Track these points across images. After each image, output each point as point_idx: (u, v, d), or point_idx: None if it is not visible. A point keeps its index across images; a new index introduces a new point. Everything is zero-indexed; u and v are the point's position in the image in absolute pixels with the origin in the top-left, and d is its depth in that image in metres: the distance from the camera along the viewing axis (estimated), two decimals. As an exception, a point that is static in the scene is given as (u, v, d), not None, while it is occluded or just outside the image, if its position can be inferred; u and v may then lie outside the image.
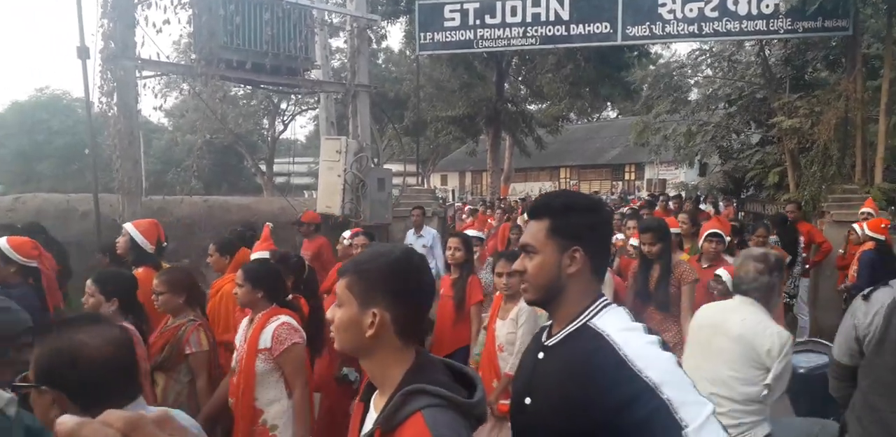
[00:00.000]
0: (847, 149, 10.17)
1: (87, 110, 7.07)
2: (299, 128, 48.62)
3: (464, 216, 12.71)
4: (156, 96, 9.64)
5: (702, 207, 11.64)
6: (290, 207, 8.80)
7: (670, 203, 11.08)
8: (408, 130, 22.74)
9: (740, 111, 11.89)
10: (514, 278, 4.01)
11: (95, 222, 6.74)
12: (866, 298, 2.19)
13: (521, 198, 20.70)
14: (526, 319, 3.79)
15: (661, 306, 4.01)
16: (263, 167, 34.96)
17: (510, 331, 3.82)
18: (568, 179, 40.50)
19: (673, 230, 4.90)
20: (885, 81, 9.56)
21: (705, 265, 5.01)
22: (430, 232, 8.33)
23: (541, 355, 1.64)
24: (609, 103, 32.05)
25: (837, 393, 2.43)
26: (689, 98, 13.74)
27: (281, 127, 36.43)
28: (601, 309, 1.59)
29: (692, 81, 13.93)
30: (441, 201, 15.51)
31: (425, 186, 32.53)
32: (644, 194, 27.59)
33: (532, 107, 27.31)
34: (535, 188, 37.40)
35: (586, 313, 1.58)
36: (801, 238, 7.05)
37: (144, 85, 7.48)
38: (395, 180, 13.27)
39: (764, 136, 12.01)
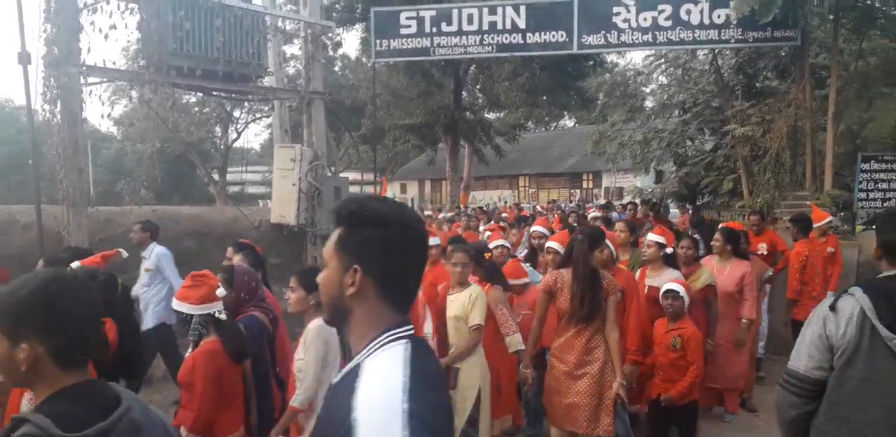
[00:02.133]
0: (798, 156, 10.39)
1: (28, 118, 6.79)
2: (253, 136, 48.18)
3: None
4: (103, 104, 9.36)
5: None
6: (242, 216, 8.57)
7: (624, 209, 11.17)
8: (365, 138, 22.60)
9: (695, 118, 12.07)
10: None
11: (38, 235, 6.45)
12: (833, 308, 2.16)
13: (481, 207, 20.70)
14: (312, 340, 3.28)
15: (585, 318, 3.85)
16: (216, 176, 34.39)
17: (299, 358, 3.34)
18: (527, 188, 40.81)
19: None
20: (832, 90, 9.81)
21: (651, 274, 5.06)
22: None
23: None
24: (566, 112, 32.44)
25: (794, 413, 2.27)
26: (645, 105, 13.93)
27: (234, 135, 35.96)
28: (382, 345, 1.33)
29: (647, 89, 14.15)
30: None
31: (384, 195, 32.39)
32: (601, 202, 27.95)
33: (490, 115, 27.44)
34: (494, 196, 37.54)
35: (366, 348, 1.35)
36: (766, 246, 7.14)
37: (90, 92, 7.19)
38: (353, 189, 13.11)
39: (718, 143, 12.20)
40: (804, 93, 9.81)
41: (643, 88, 13.80)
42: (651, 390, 4.70)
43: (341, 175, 9.71)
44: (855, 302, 2.14)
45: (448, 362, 4.10)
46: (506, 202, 31.11)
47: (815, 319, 2.23)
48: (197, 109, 33.38)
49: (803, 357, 2.22)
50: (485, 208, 19.11)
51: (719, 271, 5.57)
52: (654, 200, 13.03)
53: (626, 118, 13.22)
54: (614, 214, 12.44)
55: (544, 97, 21.57)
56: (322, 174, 8.75)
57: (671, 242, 5.09)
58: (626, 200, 16.67)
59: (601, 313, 3.84)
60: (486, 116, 26.15)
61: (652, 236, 5.08)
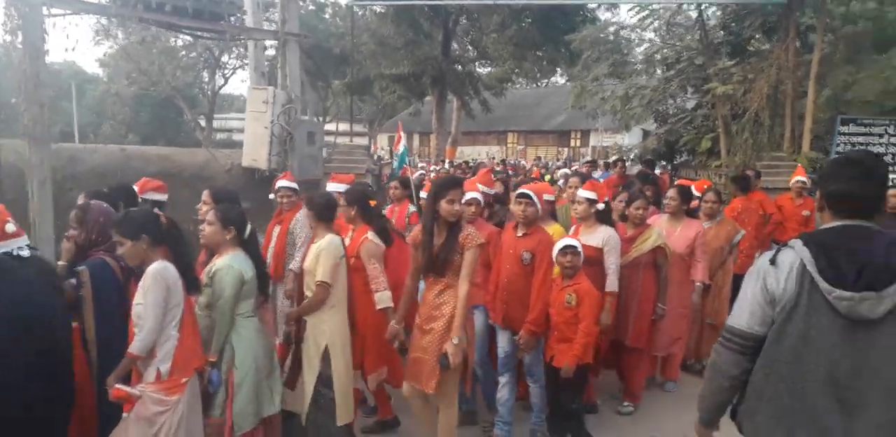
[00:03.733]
0: (777, 117, 10.34)
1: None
2: (240, 82, 47.38)
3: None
4: (67, 37, 9.10)
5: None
6: (213, 159, 8.49)
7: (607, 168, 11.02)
8: (352, 88, 22.29)
9: (677, 76, 11.94)
10: None
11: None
12: (773, 262, 2.10)
13: (471, 162, 20.58)
14: (151, 284, 3.04)
15: (433, 272, 3.64)
16: (203, 122, 33.95)
17: (138, 302, 3.07)
18: (515, 145, 40.57)
19: (547, 197, 4.54)
20: (817, 51, 9.71)
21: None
22: None
23: None
24: (558, 69, 32.01)
25: (737, 371, 2.18)
26: (628, 60, 13.72)
27: (221, 81, 35.34)
28: None
29: (633, 42, 13.88)
30: (376, 159, 15.31)
31: (372, 147, 32.18)
32: (587, 160, 27.86)
33: (480, 70, 27.04)
34: (482, 152, 37.35)
35: None
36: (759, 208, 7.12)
37: (54, 25, 7.01)
38: (342, 139, 12.98)
39: (699, 101, 12.11)
40: (787, 52, 9.70)
41: (627, 42, 13.54)
42: (545, 352, 4.33)
43: (328, 126, 9.57)
44: (795, 255, 2.08)
45: (294, 315, 4.02)
46: (493, 158, 30.98)
47: (756, 273, 2.16)
48: (183, 53, 32.70)
49: (745, 314, 2.15)
50: (470, 163, 19.01)
51: (669, 231, 5.28)
52: (649, 158, 12.70)
53: (609, 73, 13.04)
54: (597, 173, 12.35)
55: (534, 52, 21.20)
56: (295, 118, 8.64)
57: (602, 197, 4.65)
58: (613, 158, 16.59)
59: (453, 268, 3.57)
60: (475, 69, 25.74)
61: (582, 192, 4.69)
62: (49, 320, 2.92)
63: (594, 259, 4.52)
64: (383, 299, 4.05)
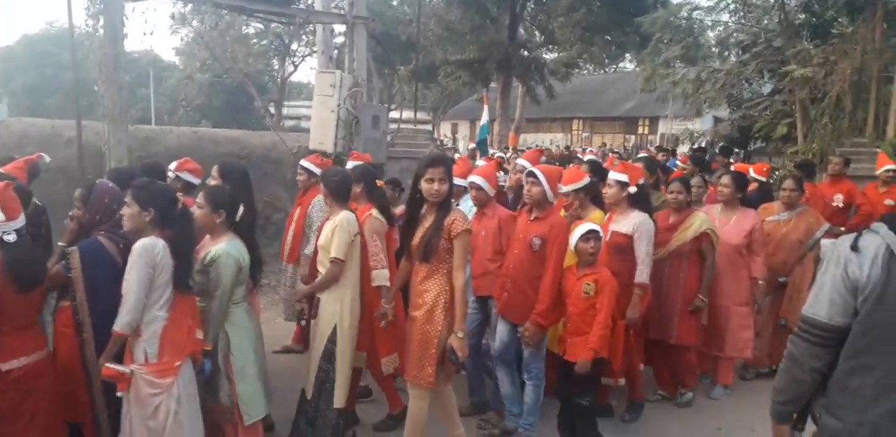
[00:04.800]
0: (860, 102, 9.85)
1: (69, 33, 6.89)
2: (310, 69, 48.08)
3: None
4: (145, 22, 9.40)
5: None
6: (280, 142, 8.65)
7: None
8: (418, 74, 22.34)
9: (753, 59, 11.47)
10: None
11: (77, 149, 6.64)
12: (855, 248, 1.95)
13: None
14: (136, 260, 3.00)
15: (417, 258, 3.53)
16: (273, 109, 34.67)
17: (126, 278, 3.04)
18: (580, 132, 39.92)
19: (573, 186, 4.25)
20: (906, 31, 9.21)
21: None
22: None
23: None
24: (626, 55, 31.27)
25: (818, 364, 2.06)
26: (701, 43, 13.27)
27: (291, 68, 35.97)
28: None
29: (706, 24, 13.36)
30: (439, 144, 15.29)
31: (436, 134, 32.22)
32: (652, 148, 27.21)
33: (546, 56, 26.69)
34: (546, 140, 36.94)
35: None
36: (842, 197, 6.74)
37: (133, 9, 7.26)
38: (406, 127, 13.05)
39: (776, 86, 11.63)
40: (874, 33, 9.21)
41: (701, 24, 13.01)
42: (557, 344, 4.07)
43: (393, 113, 9.60)
44: (880, 240, 1.93)
45: (307, 291, 3.92)
46: (557, 146, 30.61)
47: (834, 261, 2.01)
48: (255, 40, 33.45)
49: (823, 304, 2.01)
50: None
51: (723, 221, 4.96)
52: (724, 145, 12.26)
53: (681, 56, 12.63)
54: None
55: (602, 36, 20.75)
56: (361, 102, 8.70)
57: (635, 180, 4.32)
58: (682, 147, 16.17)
59: (438, 253, 3.42)
60: (542, 55, 25.39)
61: (613, 175, 4.41)
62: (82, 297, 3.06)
63: (626, 247, 4.27)
64: (379, 277, 3.97)
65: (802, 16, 11.20)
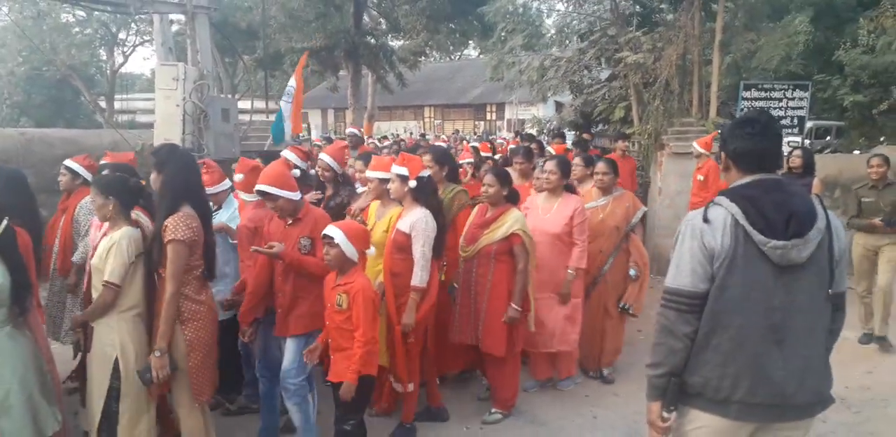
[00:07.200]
0: (686, 84, 10.70)
1: None
2: (142, 60, 45.17)
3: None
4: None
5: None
6: (122, 140, 8.10)
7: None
8: (262, 63, 21.63)
9: (591, 47, 12.15)
10: None
11: None
12: (706, 220, 2.18)
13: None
14: (117, 248, 3.20)
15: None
16: (104, 104, 32.23)
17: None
18: (432, 119, 40.49)
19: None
20: (718, 19, 10.09)
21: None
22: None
23: None
24: (470, 42, 31.96)
25: (689, 329, 2.22)
26: (542, 32, 13.87)
27: (121, 59, 33.58)
28: None
29: (544, 13, 13.94)
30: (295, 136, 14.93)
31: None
32: (506, 134, 28.13)
33: (393, 43, 26.73)
34: (399, 128, 37.10)
35: None
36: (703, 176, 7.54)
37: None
38: (258, 117, 12.58)
39: (613, 72, 12.38)
40: (693, 21, 10.03)
41: (539, 13, 13.58)
42: (325, 364, 3.69)
43: (241, 103, 9.25)
44: (725, 211, 2.17)
45: (80, 319, 3.44)
46: (411, 133, 30.84)
47: (689, 233, 2.22)
48: (77, 29, 30.80)
49: (685, 273, 2.21)
50: (389, 138, 18.89)
51: (546, 209, 4.74)
52: (559, 130, 12.98)
53: (524, 45, 13.15)
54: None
55: (447, 24, 21.08)
56: (207, 95, 8.32)
57: (415, 173, 4.02)
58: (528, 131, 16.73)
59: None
60: (388, 42, 25.41)
61: (395, 168, 4.08)
62: None
63: (405, 246, 3.97)
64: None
65: (631, 5, 11.95)
